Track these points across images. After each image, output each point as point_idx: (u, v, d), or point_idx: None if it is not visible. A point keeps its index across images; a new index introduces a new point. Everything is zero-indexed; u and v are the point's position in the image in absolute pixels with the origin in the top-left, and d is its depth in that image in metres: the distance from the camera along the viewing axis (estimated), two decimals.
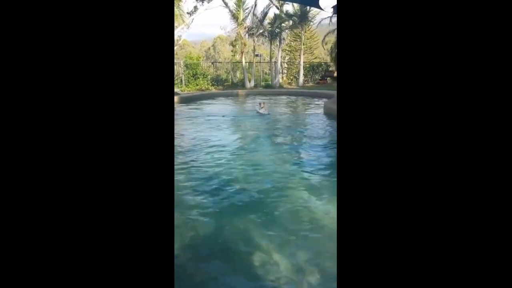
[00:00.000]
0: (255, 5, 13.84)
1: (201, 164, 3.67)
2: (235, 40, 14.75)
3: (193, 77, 13.64)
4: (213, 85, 13.83)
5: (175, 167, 3.52)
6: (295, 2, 12.35)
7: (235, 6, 13.81)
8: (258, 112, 7.35)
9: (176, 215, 2.32)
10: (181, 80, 13.47)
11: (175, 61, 14.82)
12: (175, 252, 1.80)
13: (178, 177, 3.20)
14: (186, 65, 14.12)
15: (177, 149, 4.35)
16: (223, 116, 7.19)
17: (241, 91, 13.02)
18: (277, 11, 13.82)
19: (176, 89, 11.62)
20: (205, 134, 5.31)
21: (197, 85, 13.31)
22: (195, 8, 13.68)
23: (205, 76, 13.89)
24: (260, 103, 7.73)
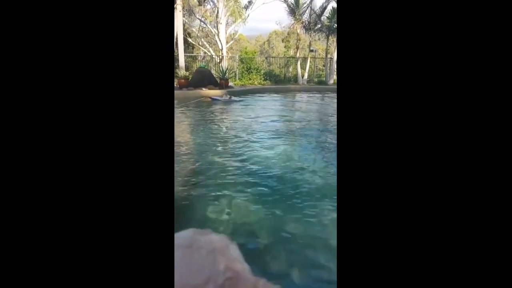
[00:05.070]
0: None
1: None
2: (288, 34, 14.63)
3: (247, 71, 13.88)
4: (265, 79, 13.93)
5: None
6: None
7: (293, 0, 13.70)
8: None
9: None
10: (235, 74, 13.79)
11: (230, 55, 15.23)
12: None
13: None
14: (241, 60, 14.41)
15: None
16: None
17: (293, 87, 12.94)
18: (336, 6, 13.38)
19: (230, 83, 11.94)
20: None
21: (250, 79, 13.52)
22: (250, 2, 13.87)
23: (258, 70, 14.05)
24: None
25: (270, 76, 14.50)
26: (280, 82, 14.25)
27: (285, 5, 13.79)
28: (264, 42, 24.15)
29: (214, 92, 9.56)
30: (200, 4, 13.96)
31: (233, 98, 8.30)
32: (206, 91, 9.80)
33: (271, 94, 10.84)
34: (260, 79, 13.69)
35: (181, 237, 0.36)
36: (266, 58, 16.52)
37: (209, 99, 8.45)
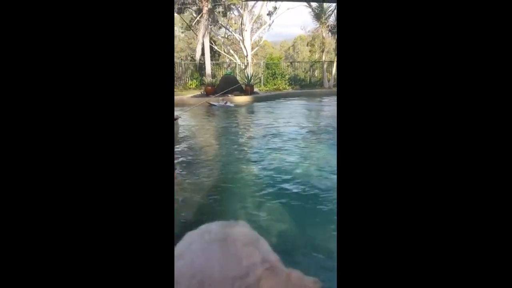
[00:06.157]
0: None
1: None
2: (313, 38, 14.58)
3: (272, 76, 13.93)
4: (290, 84, 13.91)
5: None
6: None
7: (317, 4, 13.64)
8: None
9: None
10: (260, 80, 13.88)
11: (255, 61, 15.37)
12: None
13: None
14: (266, 65, 14.50)
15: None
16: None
17: (319, 91, 12.82)
18: None
19: (255, 89, 12.04)
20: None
21: (274, 84, 13.56)
22: (275, 8, 13.96)
23: (283, 76, 14.06)
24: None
25: (295, 81, 14.46)
26: (305, 86, 14.16)
27: (309, 9, 13.77)
28: (289, 47, 24.15)
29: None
30: (224, 16, 14.25)
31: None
32: (232, 97, 9.99)
33: (286, 99, 10.80)
34: (285, 84, 13.68)
35: (213, 232, 0.37)
36: (291, 63, 16.50)
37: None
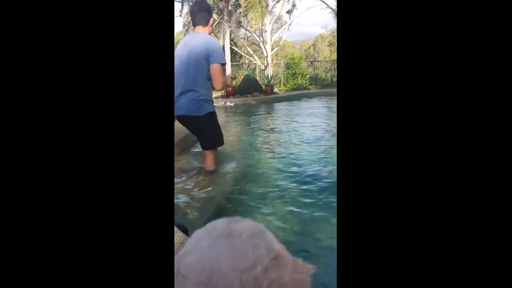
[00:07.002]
0: None
1: None
2: (334, 37, 14.35)
3: (292, 76, 13.86)
4: (310, 84, 13.78)
5: None
6: None
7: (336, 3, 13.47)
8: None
9: None
10: (280, 80, 13.84)
11: (275, 61, 15.34)
12: None
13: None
14: (286, 65, 14.45)
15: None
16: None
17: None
18: None
19: (275, 89, 12.02)
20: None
21: (295, 84, 13.48)
22: (293, 5, 13.89)
23: (303, 75, 13.95)
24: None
25: (316, 80, 14.31)
26: (326, 86, 13.99)
27: (330, 10, 13.62)
28: (310, 47, 23.95)
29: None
30: (245, 15, 14.34)
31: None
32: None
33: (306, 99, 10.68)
34: (306, 84, 13.57)
35: (219, 228, 0.38)
36: (311, 62, 16.34)
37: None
